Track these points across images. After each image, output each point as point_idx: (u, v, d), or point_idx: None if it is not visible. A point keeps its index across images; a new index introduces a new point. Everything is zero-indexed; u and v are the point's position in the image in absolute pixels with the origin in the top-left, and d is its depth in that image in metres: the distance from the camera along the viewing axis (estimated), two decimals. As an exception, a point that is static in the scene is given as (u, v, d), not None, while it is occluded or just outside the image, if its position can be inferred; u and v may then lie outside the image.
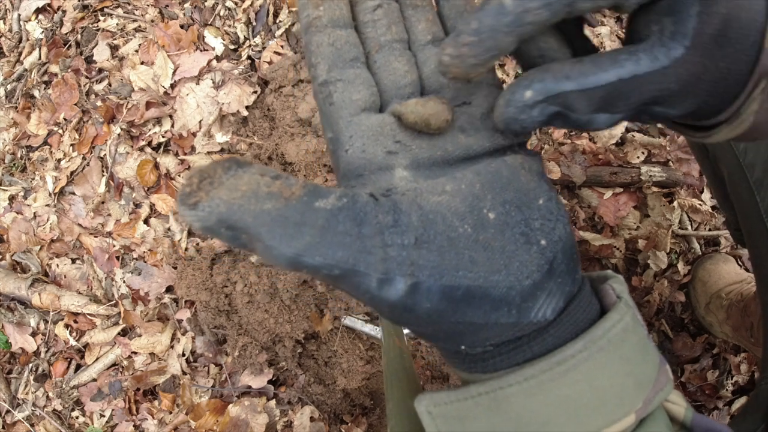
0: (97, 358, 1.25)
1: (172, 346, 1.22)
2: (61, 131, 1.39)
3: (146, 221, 1.29)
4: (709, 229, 1.14)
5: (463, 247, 0.23)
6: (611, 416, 0.24)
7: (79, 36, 1.42)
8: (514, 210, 0.25)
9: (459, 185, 0.25)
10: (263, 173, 0.22)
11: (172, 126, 1.30)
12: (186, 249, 1.24)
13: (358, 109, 0.27)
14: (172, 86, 1.31)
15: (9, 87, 1.46)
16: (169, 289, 1.25)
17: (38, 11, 1.47)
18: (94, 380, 1.25)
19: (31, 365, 1.29)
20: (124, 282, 1.27)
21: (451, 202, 0.24)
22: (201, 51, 1.32)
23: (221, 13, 1.36)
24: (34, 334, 1.30)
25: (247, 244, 0.21)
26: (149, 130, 1.32)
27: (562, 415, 0.24)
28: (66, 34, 1.43)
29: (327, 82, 0.27)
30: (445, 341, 0.25)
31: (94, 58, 1.38)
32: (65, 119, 1.38)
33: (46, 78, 1.43)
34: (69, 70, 1.39)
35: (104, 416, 1.23)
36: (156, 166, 1.30)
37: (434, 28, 0.29)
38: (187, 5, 1.38)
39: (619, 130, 1.16)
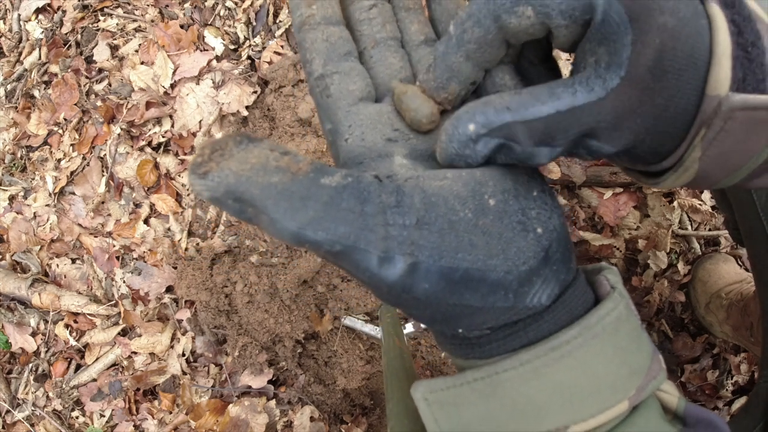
0: (97, 358, 1.25)
1: (172, 346, 1.22)
2: (61, 131, 1.39)
3: (146, 221, 1.29)
4: (709, 229, 1.14)
5: (463, 231, 0.23)
6: (605, 403, 0.24)
7: (79, 36, 1.42)
8: (512, 199, 0.25)
9: (460, 173, 0.25)
10: (273, 149, 0.22)
11: (172, 126, 1.30)
12: (186, 249, 1.24)
13: (355, 99, 0.28)
14: (172, 86, 1.31)
15: (9, 87, 1.46)
16: (169, 289, 1.25)
17: (38, 11, 1.47)
18: (94, 380, 1.25)
19: (31, 365, 1.29)
20: (124, 282, 1.27)
21: (453, 187, 0.24)
22: (201, 51, 1.32)
23: (221, 13, 1.36)
24: (34, 334, 1.30)
25: (252, 218, 0.21)
26: (149, 130, 1.32)
27: (556, 401, 0.24)
28: (66, 34, 1.43)
29: (323, 76, 0.28)
30: (443, 324, 0.25)
31: (94, 58, 1.38)
32: (65, 119, 1.38)
33: (46, 78, 1.43)
34: (69, 70, 1.39)
35: (104, 416, 1.23)
36: (156, 166, 1.30)
37: (426, 29, 0.30)
38: (187, 5, 1.38)
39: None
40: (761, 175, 0.28)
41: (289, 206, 0.21)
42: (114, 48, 1.39)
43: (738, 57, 0.23)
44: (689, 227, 1.14)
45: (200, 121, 1.28)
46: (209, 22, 1.36)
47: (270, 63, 1.28)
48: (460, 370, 0.27)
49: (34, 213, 1.36)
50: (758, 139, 0.25)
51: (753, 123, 0.24)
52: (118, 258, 1.29)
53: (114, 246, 1.30)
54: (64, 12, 1.45)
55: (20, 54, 1.47)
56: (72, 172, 1.35)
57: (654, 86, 0.23)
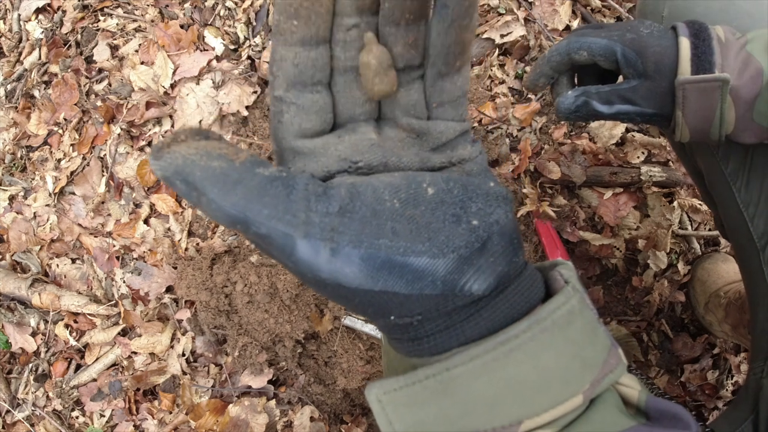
0: (97, 358, 1.25)
1: (172, 346, 1.22)
2: (61, 131, 1.39)
3: (146, 221, 1.29)
4: (709, 229, 1.14)
5: (387, 219, 0.24)
6: (557, 397, 0.24)
7: (79, 36, 1.42)
8: (457, 188, 0.26)
9: (405, 170, 0.27)
10: (222, 141, 0.25)
11: (172, 126, 1.30)
12: (186, 249, 1.24)
13: (304, 135, 0.27)
14: (172, 86, 1.31)
15: (9, 87, 1.46)
16: (169, 289, 1.25)
17: (38, 11, 1.47)
18: (94, 380, 1.25)
19: (31, 365, 1.29)
20: (124, 282, 1.27)
21: (389, 179, 0.26)
22: (201, 51, 1.32)
23: (221, 13, 1.36)
24: (34, 334, 1.30)
25: (196, 201, 0.23)
26: (149, 130, 1.32)
27: (508, 396, 0.24)
28: (66, 34, 1.43)
29: (281, 100, 0.26)
30: (376, 314, 0.25)
31: (94, 58, 1.38)
32: (65, 119, 1.38)
33: (46, 78, 1.43)
34: (69, 70, 1.39)
35: (104, 416, 1.23)
36: (156, 166, 1.30)
37: (410, 53, 0.27)
38: (187, 5, 1.38)
39: (619, 130, 1.16)
40: (745, 130, 0.51)
41: (223, 187, 0.23)
42: (114, 48, 1.39)
43: (693, 60, 0.49)
44: (689, 227, 1.14)
45: (200, 121, 1.28)
46: (209, 22, 1.36)
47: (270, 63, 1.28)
48: (413, 369, 0.26)
49: (34, 213, 1.36)
50: (711, 99, 0.49)
51: (700, 90, 0.49)
52: (118, 258, 1.29)
53: (114, 246, 1.30)
54: (64, 12, 1.45)
55: (20, 54, 1.47)
56: (72, 172, 1.35)
57: (654, 77, 0.51)
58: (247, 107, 1.26)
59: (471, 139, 0.29)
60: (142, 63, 1.35)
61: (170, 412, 1.20)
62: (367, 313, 0.26)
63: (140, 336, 1.23)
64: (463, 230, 0.25)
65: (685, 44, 0.50)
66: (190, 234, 1.27)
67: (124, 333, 1.25)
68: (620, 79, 0.58)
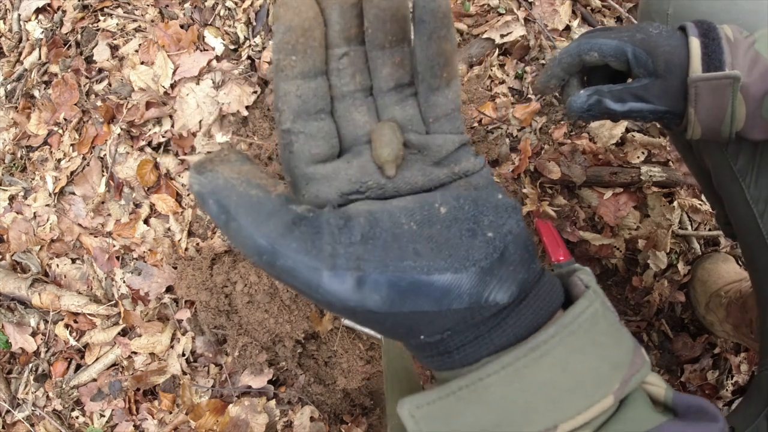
0: (97, 358, 1.25)
1: (172, 346, 1.22)
2: (61, 131, 1.39)
3: (146, 221, 1.29)
4: (709, 229, 1.14)
5: (407, 241, 0.25)
6: (589, 398, 0.25)
7: (79, 36, 1.42)
8: (468, 204, 0.27)
9: (413, 193, 0.28)
10: (263, 171, 0.26)
11: (172, 126, 1.30)
12: (186, 249, 1.24)
13: (315, 161, 0.28)
14: (172, 86, 1.31)
15: (9, 87, 1.46)
16: (169, 289, 1.25)
17: (38, 11, 1.47)
18: (94, 380, 1.25)
19: (31, 365, 1.29)
20: (124, 282, 1.27)
21: (401, 203, 0.27)
22: (201, 51, 1.32)
23: (221, 13, 1.36)
24: (34, 334, 1.30)
25: (224, 224, 0.24)
26: (149, 130, 1.32)
27: (541, 400, 0.24)
28: (66, 34, 1.43)
29: (290, 132, 0.28)
30: (406, 334, 0.26)
31: (94, 58, 1.38)
32: (65, 119, 1.38)
33: (46, 78, 1.43)
34: (69, 70, 1.39)
35: (104, 416, 1.23)
36: (156, 166, 1.30)
37: (399, 72, 0.29)
38: (187, 5, 1.38)
39: (619, 130, 1.16)
40: (754, 127, 0.52)
41: (257, 217, 0.23)
42: (114, 48, 1.39)
43: (704, 58, 0.50)
44: (689, 227, 1.14)
45: (200, 121, 1.28)
46: (209, 22, 1.36)
47: (270, 63, 1.28)
48: (443, 382, 0.27)
49: (34, 213, 1.36)
50: (722, 96, 0.51)
51: (712, 87, 0.50)
52: (118, 258, 1.29)
53: (114, 246, 1.30)
54: (64, 12, 1.45)
55: (20, 54, 1.47)
56: (72, 172, 1.35)
57: (665, 76, 0.52)
58: (247, 107, 1.26)
59: (473, 153, 0.30)
60: (142, 63, 1.35)
61: (170, 412, 1.20)
62: (398, 335, 0.26)
63: (140, 336, 1.23)
64: (480, 243, 0.25)
65: (695, 44, 0.51)
66: (190, 234, 1.27)
67: (124, 333, 1.25)
68: (629, 80, 0.58)
